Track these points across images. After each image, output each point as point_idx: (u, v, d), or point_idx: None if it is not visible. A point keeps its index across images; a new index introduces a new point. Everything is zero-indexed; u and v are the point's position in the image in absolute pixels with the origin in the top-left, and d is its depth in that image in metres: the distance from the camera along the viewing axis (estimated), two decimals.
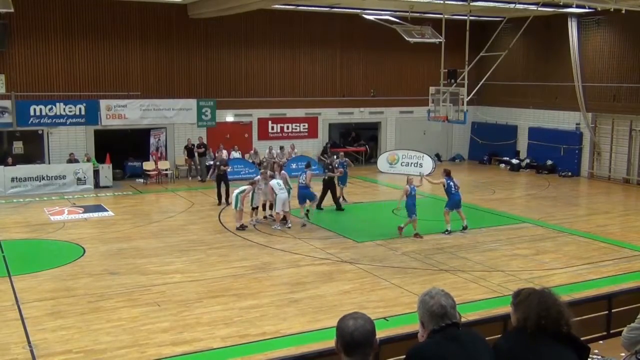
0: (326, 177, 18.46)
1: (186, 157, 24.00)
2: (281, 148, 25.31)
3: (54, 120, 22.23)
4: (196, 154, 23.77)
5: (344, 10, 24.51)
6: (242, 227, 16.01)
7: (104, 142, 22.90)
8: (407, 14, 23.00)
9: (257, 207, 16.70)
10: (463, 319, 5.19)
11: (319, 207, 18.07)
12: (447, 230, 15.62)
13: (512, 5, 20.79)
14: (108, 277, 12.17)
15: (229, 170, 20.31)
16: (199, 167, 23.79)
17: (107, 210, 18.34)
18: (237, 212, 16.10)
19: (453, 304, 3.39)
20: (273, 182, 16.22)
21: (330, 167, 18.73)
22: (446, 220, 15.70)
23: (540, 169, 26.32)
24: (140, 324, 9.81)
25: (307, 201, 17.00)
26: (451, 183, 15.75)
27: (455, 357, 3.28)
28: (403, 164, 26.25)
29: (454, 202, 15.76)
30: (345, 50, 26.94)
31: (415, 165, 26.14)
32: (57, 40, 22.08)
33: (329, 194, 18.33)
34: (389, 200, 20.18)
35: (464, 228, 15.82)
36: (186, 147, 23.83)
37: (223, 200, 19.30)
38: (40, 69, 22.03)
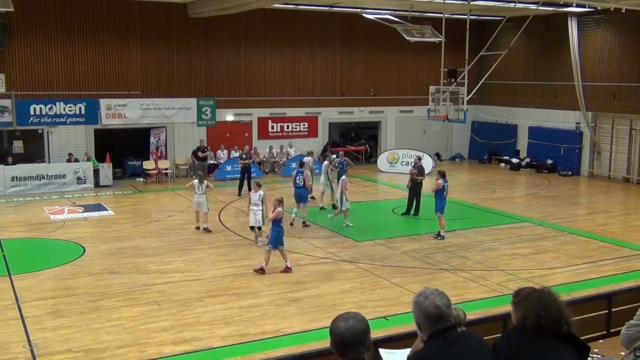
0: (419, 180, 17.51)
1: (192, 160, 23.82)
2: (281, 148, 25.29)
3: (54, 119, 22.21)
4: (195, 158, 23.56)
5: (344, 9, 24.50)
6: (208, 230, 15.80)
7: (104, 141, 22.88)
8: (407, 13, 22.98)
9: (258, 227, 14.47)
10: None
11: (416, 214, 17.47)
12: (440, 235, 15.20)
13: (512, 5, 20.79)
14: (108, 276, 12.17)
15: (229, 169, 20.59)
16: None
17: (107, 210, 18.35)
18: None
19: (448, 303, 3.37)
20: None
21: (420, 168, 17.90)
22: (442, 224, 15.21)
23: (540, 168, 26.31)
24: (141, 323, 9.82)
25: (300, 205, 16.51)
26: (446, 185, 15.30)
27: None
28: (403, 163, 26.23)
29: (443, 205, 15.20)
30: (345, 49, 26.92)
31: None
32: (57, 39, 22.06)
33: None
34: (389, 200, 20.21)
35: (440, 235, 15.27)
36: (194, 153, 23.59)
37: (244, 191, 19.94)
38: (40, 68, 22.00)
